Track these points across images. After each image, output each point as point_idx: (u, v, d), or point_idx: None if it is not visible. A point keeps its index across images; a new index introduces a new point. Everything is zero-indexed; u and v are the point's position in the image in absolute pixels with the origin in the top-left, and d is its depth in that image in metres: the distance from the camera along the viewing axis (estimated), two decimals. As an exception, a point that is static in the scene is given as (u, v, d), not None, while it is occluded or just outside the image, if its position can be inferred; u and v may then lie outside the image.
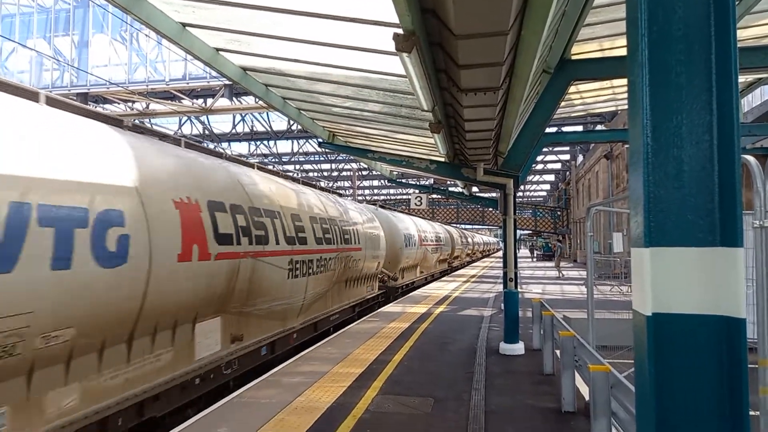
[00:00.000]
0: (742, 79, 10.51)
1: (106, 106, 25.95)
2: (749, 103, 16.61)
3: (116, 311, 5.08)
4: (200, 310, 6.60)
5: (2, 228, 3.95)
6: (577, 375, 6.11)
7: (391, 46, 4.36)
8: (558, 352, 6.86)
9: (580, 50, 7.99)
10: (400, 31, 4.23)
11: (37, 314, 4.20)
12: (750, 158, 3.58)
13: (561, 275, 28.20)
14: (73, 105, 5.84)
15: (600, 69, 7.87)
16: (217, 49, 6.81)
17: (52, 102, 5.44)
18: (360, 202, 19.60)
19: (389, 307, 15.60)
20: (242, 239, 7.38)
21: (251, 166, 9.81)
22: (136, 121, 6.92)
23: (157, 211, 5.64)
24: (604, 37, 7.91)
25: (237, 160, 9.46)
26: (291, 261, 9.08)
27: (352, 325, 12.36)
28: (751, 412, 1.93)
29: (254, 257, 7.67)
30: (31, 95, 5.23)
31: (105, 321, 4.96)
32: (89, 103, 23.91)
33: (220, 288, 6.86)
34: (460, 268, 39.10)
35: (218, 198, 7.04)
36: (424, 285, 24.12)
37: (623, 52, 7.94)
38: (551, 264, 43.46)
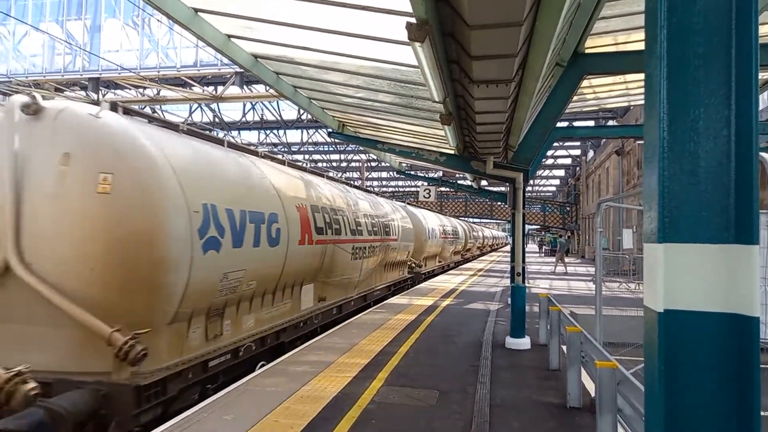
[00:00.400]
0: (760, 76, 10.36)
1: (117, 91, 26.02)
2: (763, 101, 16.40)
3: (272, 273, 8.36)
4: (305, 277, 10.02)
5: (238, 222, 7.05)
6: (583, 371, 6.09)
7: (403, 36, 4.32)
8: (564, 347, 6.84)
9: (594, 44, 7.89)
10: (412, 20, 4.20)
11: (246, 271, 7.33)
12: (766, 156, 3.52)
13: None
14: (242, 147, 9.41)
15: (614, 63, 7.77)
16: (229, 36, 6.79)
17: (231, 145, 8.77)
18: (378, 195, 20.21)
19: (396, 299, 15.62)
20: (328, 231, 10.71)
21: (321, 175, 13.08)
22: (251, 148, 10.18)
23: (290, 213, 8.93)
24: (618, 31, 7.81)
25: (315, 172, 12.83)
26: (353, 247, 12.56)
27: (358, 315, 12.40)
28: (762, 413, 1.90)
29: (334, 244, 11.09)
30: (219, 142, 8.40)
31: (267, 278, 8.22)
32: (100, 88, 23.98)
33: (316, 263, 10.36)
34: (472, 260, 41.74)
35: (316, 203, 10.48)
36: (442, 273, 27.57)
37: (638, 46, 7.86)
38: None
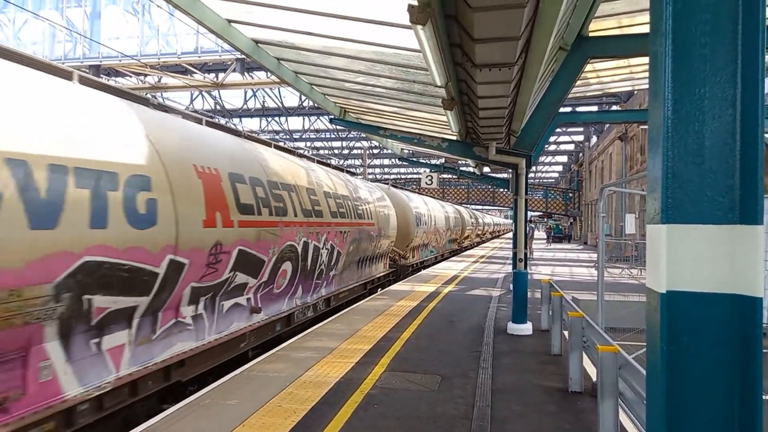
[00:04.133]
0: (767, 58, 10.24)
1: (118, 79, 25.92)
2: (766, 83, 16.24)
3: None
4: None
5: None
6: (584, 356, 6.09)
7: (405, 19, 4.27)
8: (566, 333, 6.85)
9: (598, 27, 7.81)
10: (414, 2, 4.14)
11: None
12: (771, 138, 3.48)
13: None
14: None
15: (618, 47, 7.69)
16: (229, 21, 6.73)
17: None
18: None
19: (398, 286, 15.65)
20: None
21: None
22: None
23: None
24: (623, 14, 7.72)
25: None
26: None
27: (360, 302, 12.43)
28: (765, 397, 1.89)
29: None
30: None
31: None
32: (101, 75, 23.86)
33: None
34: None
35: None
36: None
37: (643, 29, 7.77)
38: (561, 246, 43.40)
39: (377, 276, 16.04)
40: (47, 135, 4.56)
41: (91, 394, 4.98)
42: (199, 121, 7.97)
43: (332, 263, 11.57)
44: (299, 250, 9.42)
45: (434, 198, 34.32)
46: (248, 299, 8.06)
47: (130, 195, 5.30)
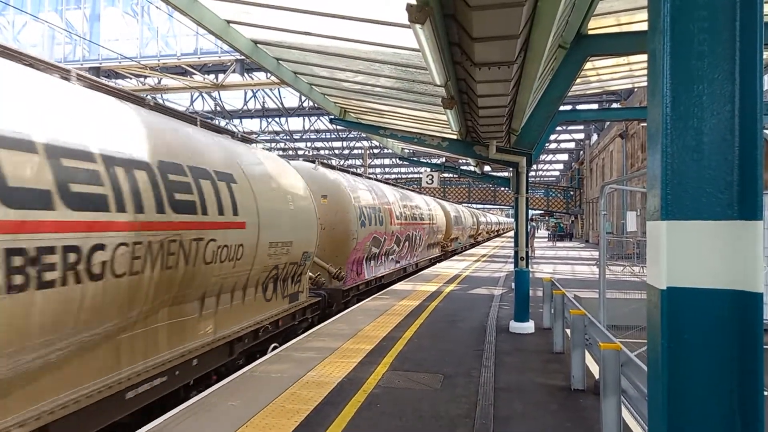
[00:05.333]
0: (765, 55, 10.24)
1: (118, 81, 25.95)
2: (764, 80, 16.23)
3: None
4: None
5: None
6: (587, 354, 6.09)
7: (404, 18, 4.28)
8: (568, 331, 6.85)
9: (598, 25, 7.81)
10: (413, 1, 4.15)
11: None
12: (771, 134, 3.48)
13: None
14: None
15: (617, 45, 7.69)
16: (228, 22, 6.73)
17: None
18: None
19: (400, 285, 15.67)
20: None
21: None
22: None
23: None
24: (622, 12, 7.72)
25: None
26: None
27: (363, 302, 12.45)
28: (765, 392, 1.90)
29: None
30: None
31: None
32: (101, 77, 23.87)
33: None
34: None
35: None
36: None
37: (641, 27, 7.77)
38: (562, 244, 43.35)
39: (434, 256, 26.20)
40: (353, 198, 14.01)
41: (368, 279, 14.74)
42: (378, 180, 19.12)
43: (420, 244, 21.37)
44: (410, 236, 19.22)
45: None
46: (394, 256, 17.78)
47: (379, 214, 15.07)
